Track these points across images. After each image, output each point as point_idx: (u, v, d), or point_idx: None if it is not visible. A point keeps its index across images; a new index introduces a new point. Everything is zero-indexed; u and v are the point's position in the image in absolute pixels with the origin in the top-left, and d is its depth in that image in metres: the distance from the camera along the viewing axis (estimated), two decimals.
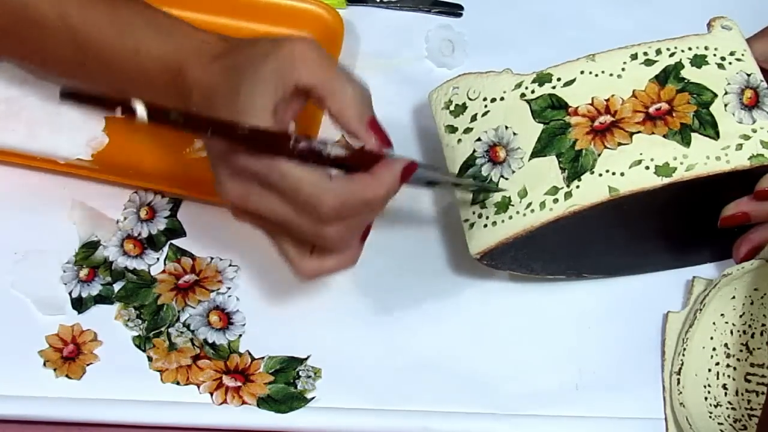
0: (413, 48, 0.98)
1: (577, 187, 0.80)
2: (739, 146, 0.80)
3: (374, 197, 0.74)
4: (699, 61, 0.82)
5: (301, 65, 0.73)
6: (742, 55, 0.83)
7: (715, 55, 0.83)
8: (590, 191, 0.80)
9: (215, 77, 0.75)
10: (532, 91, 0.84)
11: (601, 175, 0.80)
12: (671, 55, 0.83)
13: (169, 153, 0.92)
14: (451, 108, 0.86)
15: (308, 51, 0.73)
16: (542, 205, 0.80)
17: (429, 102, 0.87)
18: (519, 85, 0.84)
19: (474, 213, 0.83)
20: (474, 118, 0.85)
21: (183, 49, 0.77)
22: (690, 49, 0.83)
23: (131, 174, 0.91)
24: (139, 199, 0.91)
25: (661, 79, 0.82)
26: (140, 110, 0.64)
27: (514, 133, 0.83)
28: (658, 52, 0.83)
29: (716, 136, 0.80)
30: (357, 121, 0.74)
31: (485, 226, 0.82)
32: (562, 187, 0.80)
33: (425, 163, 0.77)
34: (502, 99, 0.84)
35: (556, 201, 0.80)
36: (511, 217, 0.81)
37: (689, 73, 0.82)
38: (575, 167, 0.81)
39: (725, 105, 0.81)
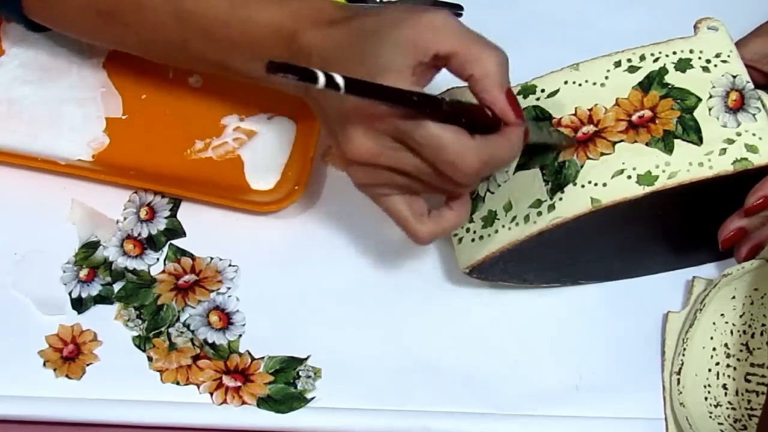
0: None
1: (560, 199, 0.80)
2: (723, 151, 0.79)
3: (509, 157, 0.75)
4: (683, 65, 0.82)
5: (442, 32, 0.73)
6: (728, 56, 0.82)
7: (700, 58, 0.82)
8: (573, 203, 0.79)
9: (339, 40, 0.75)
10: None
11: (583, 186, 0.79)
12: (655, 60, 0.82)
13: (170, 153, 0.92)
14: None
15: (447, 19, 0.74)
16: (526, 218, 0.80)
17: None
18: None
19: (462, 227, 0.83)
20: None
21: (298, 15, 0.78)
22: (674, 53, 0.82)
23: (131, 175, 0.91)
24: (139, 199, 0.91)
25: (645, 85, 0.82)
26: (340, 81, 0.65)
27: None
28: (642, 58, 0.82)
29: (699, 141, 0.80)
30: (498, 91, 0.74)
31: (473, 240, 0.82)
32: (546, 200, 0.80)
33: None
34: None
35: (539, 214, 0.80)
36: (497, 231, 0.82)
37: (673, 78, 0.82)
38: (558, 179, 0.80)
39: (709, 109, 0.80)
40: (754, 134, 0.79)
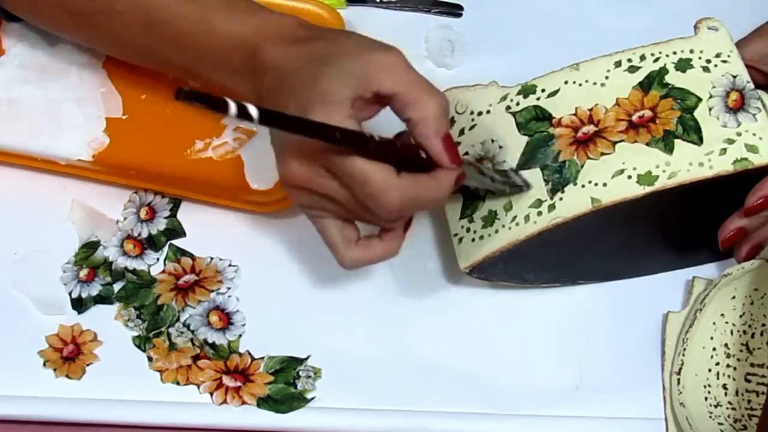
0: (413, 48, 0.97)
1: (561, 199, 0.80)
2: (723, 151, 0.79)
3: (434, 199, 0.76)
4: (684, 65, 0.82)
5: (387, 72, 0.74)
6: (729, 56, 0.82)
7: (700, 58, 0.82)
8: (573, 203, 0.80)
9: (295, 61, 0.76)
10: (517, 104, 0.83)
11: (583, 186, 0.80)
12: (655, 60, 0.82)
13: (170, 153, 0.92)
14: None
15: (397, 60, 0.75)
16: (526, 218, 0.80)
17: None
18: (504, 98, 0.84)
19: (462, 227, 0.83)
20: (462, 132, 0.85)
21: (262, 31, 0.79)
22: (675, 53, 0.82)
23: (131, 175, 0.91)
24: (139, 199, 0.91)
25: (645, 85, 0.82)
26: (253, 112, 0.66)
27: (500, 147, 0.83)
28: (642, 57, 0.83)
29: (699, 141, 0.80)
30: (434, 136, 0.75)
31: (473, 240, 0.82)
32: (546, 200, 0.80)
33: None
34: (488, 112, 0.84)
35: (540, 214, 0.80)
36: (497, 231, 0.82)
37: (673, 78, 0.82)
38: (558, 179, 0.80)
39: (710, 109, 0.80)
40: (754, 134, 0.79)
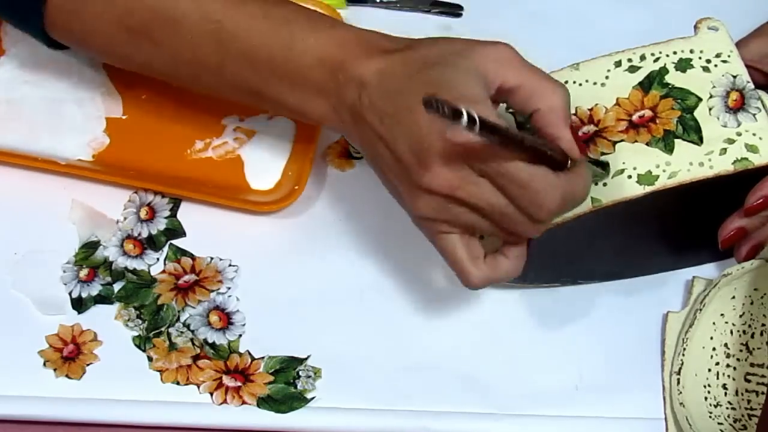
0: None
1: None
2: (723, 151, 0.79)
3: (583, 195, 0.75)
4: (684, 65, 0.82)
5: (507, 65, 0.73)
6: (729, 56, 0.82)
7: (700, 57, 0.82)
8: None
9: (398, 70, 0.74)
10: None
11: None
12: (655, 60, 0.82)
13: (170, 153, 0.92)
14: None
15: (511, 52, 0.74)
16: None
17: None
18: None
19: None
20: None
21: (347, 44, 0.76)
22: (675, 53, 0.82)
23: (131, 175, 0.90)
24: (139, 199, 0.91)
25: (645, 85, 0.82)
26: (477, 119, 0.64)
27: None
28: (642, 57, 0.82)
29: (700, 141, 0.80)
30: (565, 125, 0.73)
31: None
32: None
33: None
34: None
35: None
36: None
37: (673, 77, 0.82)
38: None
39: (710, 109, 0.80)
40: (754, 134, 0.80)
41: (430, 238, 0.77)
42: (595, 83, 0.82)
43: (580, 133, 0.81)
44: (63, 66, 0.94)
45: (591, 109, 0.82)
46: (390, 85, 0.74)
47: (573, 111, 0.82)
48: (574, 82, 0.82)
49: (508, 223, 0.74)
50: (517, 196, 0.72)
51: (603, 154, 0.80)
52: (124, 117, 0.93)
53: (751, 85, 0.81)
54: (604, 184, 0.79)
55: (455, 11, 0.99)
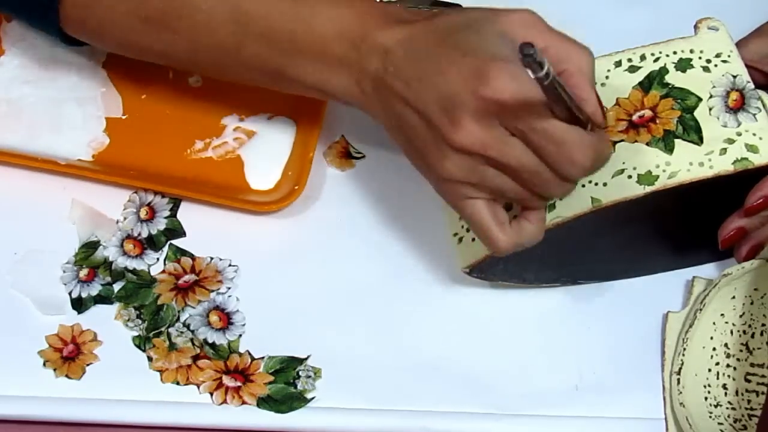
0: None
1: (560, 198, 0.79)
2: (723, 151, 0.79)
3: (607, 157, 0.75)
4: (684, 65, 0.82)
5: (532, 29, 0.73)
6: (729, 56, 0.82)
7: (700, 57, 0.82)
8: (573, 202, 0.79)
9: (423, 37, 0.74)
10: None
11: (583, 185, 0.79)
12: (655, 60, 0.82)
13: (170, 153, 0.92)
14: None
15: (536, 16, 0.74)
16: None
17: None
18: None
19: (462, 227, 0.83)
20: None
21: (366, 15, 0.76)
22: (675, 53, 0.82)
23: (131, 174, 0.90)
24: (139, 199, 0.91)
25: (645, 85, 0.82)
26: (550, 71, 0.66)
27: None
28: (643, 57, 0.82)
29: (700, 141, 0.80)
30: (591, 87, 0.73)
31: (473, 239, 0.82)
32: None
33: None
34: None
35: None
36: None
37: (674, 77, 0.81)
38: None
39: (710, 109, 0.80)
40: (754, 134, 0.80)
41: (456, 203, 0.76)
42: (594, 83, 0.82)
43: None
44: (63, 66, 0.94)
45: None
46: (416, 52, 0.74)
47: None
48: None
49: (537, 185, 0.74)
50: (550, 153, 0.72)
51: None
52: (124, 117, 0.93)
53: (751, 85, 0.81)
54: (605, 185, 0.79)
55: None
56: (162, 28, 0.80)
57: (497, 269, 0.84)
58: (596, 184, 0.79)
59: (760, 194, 0.80)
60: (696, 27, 0.83)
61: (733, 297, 0.85)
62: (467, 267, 0.83)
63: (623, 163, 0.80)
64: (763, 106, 0.81)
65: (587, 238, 0.83)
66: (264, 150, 0.93)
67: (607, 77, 0.82)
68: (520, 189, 0.74)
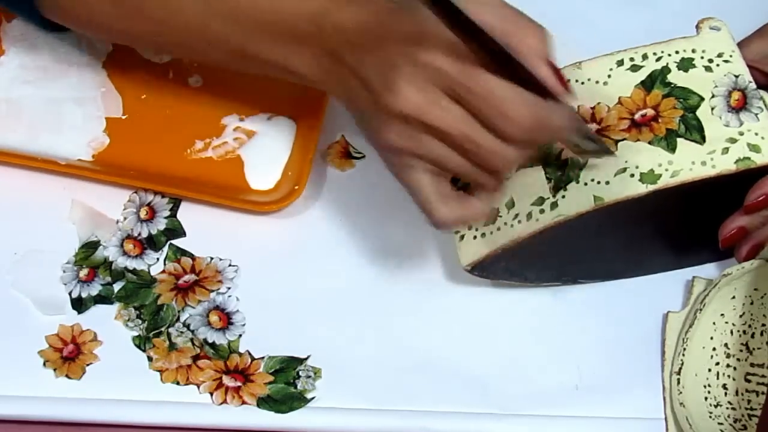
0: None
1: (563, 197, 0.79)
2: (726, 150, 0.79)
3: (561, 126, 0.74)
4: (686, 64, 0.82)
5: (483, 5, 0.73)
6: (731, 56, 0.82)
7: (702, 57, 0.82)
8: (576, 201, 0.79)
9: (377, 10, 0.75)
10: None
11: (586, 184, 0.79)
12: (658, 59, 0.82)
13: (170, 153, 0.92)
14: None
15: None
16: (529, 215, 0.80)
17: None
18: None
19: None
20: None
21: None
22: (677, 52, 0.82)
23: (131, 175, 0.90)
24: (139, 199, 0.91)
25: (647, 84, 0.82)
26: None
27: None
28: (645, 57, 0.82)
29: (702, 140, 0.80)
30: (538, 58, 0.73)
31: (474, 237, 0.82)
32: (548, 198, 0.80)
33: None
34: None
35: (542, 212, 0.80)
36: (499, 229, 0.81)
37: (676, 77, 0.81)
38: (561, 177, 0.80)
39: (712, 108, 0.80)
40: (756, 134, 0.79)
41: (399, 174, 0.76)
42: (597, 82, 0.82)
43: None
44: (63, 66, 0.94)
45: (593, 108, 0.81)
46: (368, 24, 0.75)
47: (575, 109, 0.82)
48: (576, 81, 0.82)
49: (479, 155, 0.74)
50: (482, 109, 0.72)
51: None
52: (124, 117, 0.93)
53: (753, 85, 0.81)
54: (607, 183, 0.79)
55: None
56: (131, 9, 0.81)
57: (499, 267, 0.84)
58: (598, 182, 0.79)
59: (760, 192, 0.80)
60: (698, 27, 0.83)
61: (733, 297, 0.85)
62: (469, 265, 0.83)
63: (625, 161, 0.80)
64: (765, 105, 0.81)
65: (589, 238, 0.83)
66: (264, 150, 0.93)
67: (609, 76, 0.82)
68: (463, 161, 0.74)
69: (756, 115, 0.80)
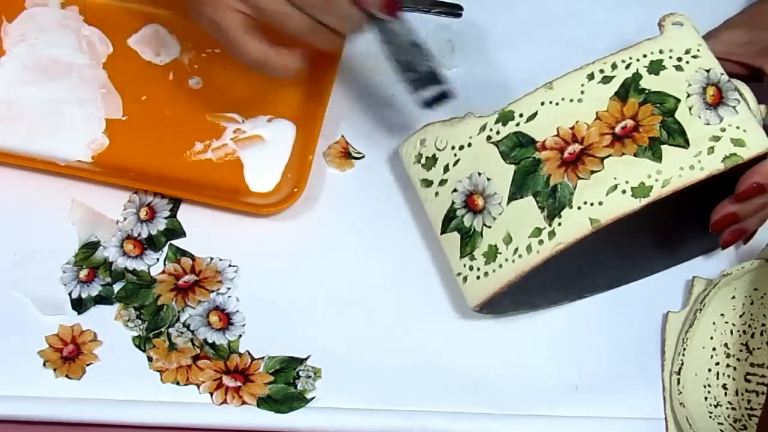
0: None
1: (559, 224, 0.79)
2: (711, 150, 0.78)
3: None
4: (656, 67, 0.80)
5: None
6: (698, 50, 0.80)
7: (671, 57, 0.80)
8: (572, 227, 0.78)
9: None
10: (497, 132, 0.82)
11: (579, 208, 0.78)
12: (627, 66, 0.80)
13: (169, 155, 0.92)
14: (422, 161, 0.85)
15: None
16: (528, 248, 0.79)
17: (401, 157, 0.87)
18: (484, 128, 0.82)
19: (465, 266, 0.82)
20: (446, 168, 0.84)
21: None
22: (645, 56, 0.81)
23: (131, 176, 0.90)
24: (139, 199, 0.91)
25: (622, 94, 0.80)
26: None
27: (488, 179, 0.81)
28: (614, 66, 0.81)
29: (686, 143, 0.78)
30: None
31: (478, 278, 0.81)
32: (545, 227, 0.79)
33: None
34: (469, 145, 0.83)
35: (541, 242, 0.79)
36: (501, 266, 0.80)
37: (648, 82, 0.80)
38: (553, 204, 0.79)
39: (690, 108, 0.79)
40: (737, 127, 0.78)
41: (215, 16, 0.78)
42: (571, 100, 0.81)
43: (566, 154, 0.79)
44: (63, 66, 0.94)
45: (572, 128, 0.80)
46: None
47: (555, 132, 0.80)
48: (551, 102, 0.81)
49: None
50: None
51: (593, 172, 0.79)
52: (123, 118, 0.93)
53: (726, 77, 0.80)
54: (600, 203, 0.79)
55: (455, 11, 0.99)
56: None
57: (506, 302, 0.83)
58: (591, 204, 0.78)
59: (750, 180, 0.79)
60: (660, 25, 0.82)
61: (733, 297, 0.85)
62: (477, 306, 0.82)
63: (614, 178, 0.78)
64: (741, 96, 0.79)
65: (589, 257, 0.83)
66: (263, 152, 0.93)
67: (582, 92, 0.81)
68: (282, 2, 0.76)
69: (734, 108, 0.79)
